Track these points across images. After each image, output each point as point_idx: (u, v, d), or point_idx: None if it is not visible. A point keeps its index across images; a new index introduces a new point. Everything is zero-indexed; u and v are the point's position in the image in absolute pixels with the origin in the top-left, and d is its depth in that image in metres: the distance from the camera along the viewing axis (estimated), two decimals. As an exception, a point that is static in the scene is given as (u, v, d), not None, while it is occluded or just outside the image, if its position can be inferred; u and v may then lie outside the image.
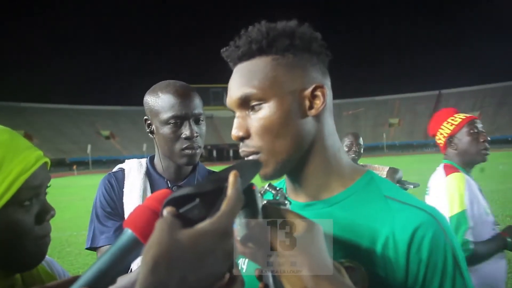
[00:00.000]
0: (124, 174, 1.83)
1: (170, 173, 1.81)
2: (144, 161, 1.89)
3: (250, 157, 0.93)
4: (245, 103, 0.92)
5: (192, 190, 0.63)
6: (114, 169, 1.89)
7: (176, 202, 0.62)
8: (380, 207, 0.90)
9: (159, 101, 1.69)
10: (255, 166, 0.77)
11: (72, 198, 18.11)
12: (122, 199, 1.76)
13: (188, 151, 1.68)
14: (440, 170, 2.71)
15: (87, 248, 1.74)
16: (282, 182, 1.11)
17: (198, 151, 1.71)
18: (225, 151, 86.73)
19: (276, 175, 0.94)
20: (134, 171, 1.83)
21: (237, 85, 0.93)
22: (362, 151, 3.90)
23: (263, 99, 0.90)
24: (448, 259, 0.85)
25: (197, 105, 1.71)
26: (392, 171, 3.73)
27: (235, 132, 0.93)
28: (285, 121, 0.90)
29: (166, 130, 1.68)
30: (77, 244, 9.02)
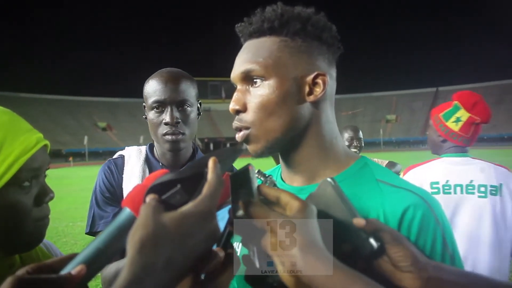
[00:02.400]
0: (124, 160, 1.85)
1: (167, 160, 1.82)
2: (143, 148, 1.91)
3: (241, 132, 0.95)
4: (247, 78, 0.94)
5: (173, 177, 0.64)
6: (115, 156, 1.91)
7: (158, 189, 0.63)
8: (372, 190, 0.92)
9: (147, 87, 1.71)
10: (234, 152, 0.77)
11: (69, 189, 18.04)
12: (121, 185, 1.77)
13: (168, 137, 1.68)
14: (493, 165, 2.34)
15: (87, 233, 1.76)
16: (278, 168, 1.13)
17: (180, 137, 1.69)
18: (222, 145, 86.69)
19: (264, 152, 0.95)
20: (133, 157, 1.84)
21: (243, 60, 0.95)
22: (363, 145, 3.92)
23: (264, 77, 0.92)
24: (437, 242, 0.85)
25: (181, 90, 1.69)
26: (390, 165, 3.78)
27: (232, 105, 0.95)
28: (282, 101, 0.91)
29: (151, 115, 1.71)
30: (73, 234, 9.02)
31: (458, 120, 2.36)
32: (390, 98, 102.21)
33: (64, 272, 0.64)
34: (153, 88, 1.69)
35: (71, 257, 0.67)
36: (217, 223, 0.64)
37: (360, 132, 3.91)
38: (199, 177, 0.66)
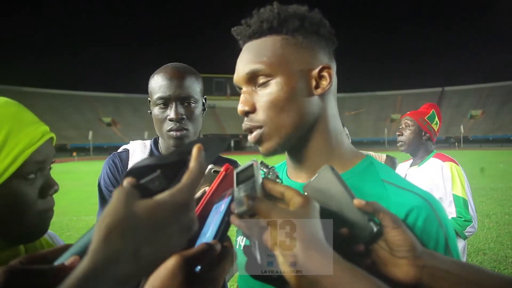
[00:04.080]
0: (128, 154, 1.85)
1: None
2: (148, 142, 1.91)
3: (253, 132, 0.95)
4: (253, 78, 0.94)
5: (154, 161, 0.62)
6: (119, 150, 1.91)
7: (137, 173, 0.61)
8: (377, 190, 0.93)
9: (153, 82, 1.72)
10: (222, 141, 0.76)
11: (73, 184, 18.15)
12: None
13: (173, 133, 1.68)
14: None
15: None
16: (283, 164, 1.13)
17: (184, 133, 1.68)
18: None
19: (277, 150, 0.95)
20: (138, 151, 1.85)
21: (246, 61, 0.95)
22: (349, 141, 3.88)
23: (271, 75, 0.92)
24: (440, 244, 0.86)
25: (186, 86, 1.68)
26: (389, 160, 3.77)
27: (241, 107, 0.95)
28: (291, 97, 0.92)
29: (155, 111, 1.71)
30: (77, 228, 9.07)
31: (437, 123, 3.24)
32: (395, 97, 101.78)
33: (57, 263, 0.62)
34: (158, 83, 1.68)
35: (65, 248, 0.65)
36: (193, 216, 0.61)
37: (346, 129, 3.89)
38: (182, 164, 0.64)
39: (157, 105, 1.69)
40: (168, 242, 0.57)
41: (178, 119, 1.66)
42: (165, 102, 1.68)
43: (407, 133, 3.23)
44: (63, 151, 66.52)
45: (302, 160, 1.00)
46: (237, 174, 0.74)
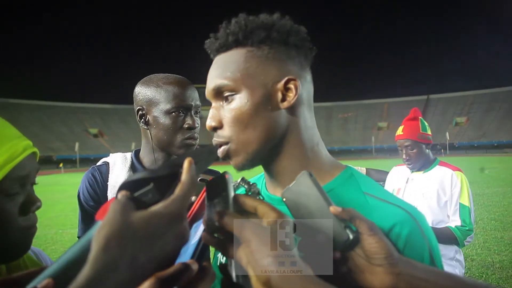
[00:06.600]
0: (108, 167, 1.80)
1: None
2: (129, 154, 1.86)
3: (221, 148, 0.93)
4: (219, 94, 0.93)
5: (147, 175, 0.64)
6: (98, 163, 1.86)
7: (131, 186, 0.63)
8: (358, 203, 0.89)
9: (162, 91, 1.67)
10: (211, 153, 0.76)
11: (59, 196, 17.84)
12: (106, 192, 1.72)
13: (189, 141, 1.69)
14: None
15: (79, 237, 1.72)
16: (262, 177, 1.10)
17: (197, 141, 1.72)
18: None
19: (246, 165, 0.94)
20: (118, 164, 1.80)
21: (213, 76, 0.94)
22: None
23: (235, 90, 0.90)
24: (425, 256, 0.85)
25: (198, 97, 1.74)
26: (370, 172, 3.71)
27: (208, 122, 0.94)
28: (255, 112, 0.90)
29: (167, 120, 1.67)
30: (63, 241, 8.92)
31: (428, 127, 3.30)
32: (382, 106, 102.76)
33: (30, 286, 0.61)
34: (172, 93, 1.66)
35: (39, 271, 0.64)
36: (186, 225, 0.63)
37: None
38: (173, 177, 0.65)
39: (170, 113, 1.67)
40: (163, 250, 0.59)
41: (195, 127, 1.70)
42: (184, 111, 1.68)
43: (412, 154, 3.23)
44: (49, 162, 65.64)
45: (277, 174, 0.97)
46: (208, 187, 0.72)
